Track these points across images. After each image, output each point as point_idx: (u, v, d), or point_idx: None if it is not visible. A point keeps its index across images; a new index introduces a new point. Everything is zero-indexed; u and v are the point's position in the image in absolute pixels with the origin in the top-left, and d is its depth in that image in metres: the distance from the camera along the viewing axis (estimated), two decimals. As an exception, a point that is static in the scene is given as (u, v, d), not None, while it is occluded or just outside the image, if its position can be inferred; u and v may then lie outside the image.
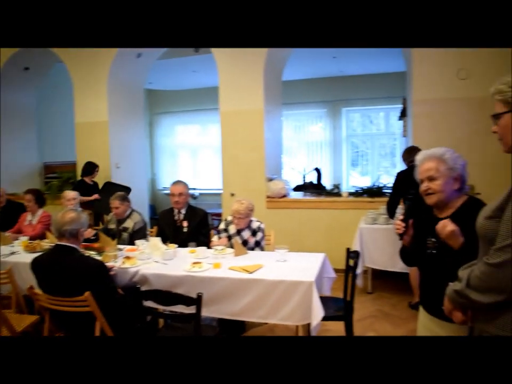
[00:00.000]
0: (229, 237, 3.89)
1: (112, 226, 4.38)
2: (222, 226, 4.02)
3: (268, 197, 5.99)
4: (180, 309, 2.72)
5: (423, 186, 2.00)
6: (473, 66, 5.07)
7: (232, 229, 3.90)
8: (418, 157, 2.08)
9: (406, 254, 2.20)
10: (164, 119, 10.55)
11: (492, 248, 1.36)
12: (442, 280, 1.62)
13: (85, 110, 6.75)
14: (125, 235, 4.24)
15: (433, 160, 1.98)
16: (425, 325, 2.08)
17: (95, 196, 6.22)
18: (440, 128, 5.17)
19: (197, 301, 2.52)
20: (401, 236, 2.11)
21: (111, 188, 6.08)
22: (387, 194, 5.61)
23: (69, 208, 3.18)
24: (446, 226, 1.82)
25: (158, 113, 10.53)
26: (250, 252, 3.65)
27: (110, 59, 6.48)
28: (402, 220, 2.08)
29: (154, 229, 4.56)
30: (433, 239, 1.95)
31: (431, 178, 1.97)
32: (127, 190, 6.22)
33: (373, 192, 5.68)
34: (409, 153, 4.42)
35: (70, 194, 4.88)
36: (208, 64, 6.59)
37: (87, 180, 6.41)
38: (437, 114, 5.22)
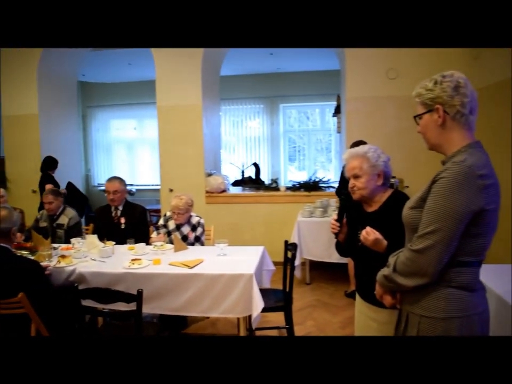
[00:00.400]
0: (169, 233, 3.88)
1: (44, 224, 4.19)
2: (161, 222, 3.99)
3: (207, 192, 6.01)
4: (120, 306, 2.67)
5: (350, 184, 2.13)
6: (402, 67, 5.38)
7: (172, 225, 3.89)
8: (345, 156, 2.19)
9: (340, 247, 2.32)
10: (98, 113, 10.16)
11: (415, 236, 1.48)
12: (374, 269, 1.72)
13: (13, 103, 6.36)
14: (61, 232, 4.08)
15: (357, 159, 2.10)
16: (361, 311, 2.20)
17: (63, 191, 5.84)
18: (372, 125, 5.43)
19: (138, 298, 2.49)
20: (336, 234, 2.21)
21: (74, 189, 5.84)
22: (323, 188, 5.82)
23: (-2, 206, 3.02)
24: (369, 236, 1.92)
25: (91, 106, 10.12)
26: (190, 247, 3.66)
27: (40, 49, 6.16)
28: (336, 220, 2.18)
29: (90, 227, 4.44)
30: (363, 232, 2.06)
31: (355, 176, 2.10)
32: (85, 199, 6.09)
33: (310, 186, 5.85)
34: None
35: (-2, 191, 4.62)
36: (144, 57, 6.44)
37: (52, 173, 6.00)
38: (368, 112, 5.48)
